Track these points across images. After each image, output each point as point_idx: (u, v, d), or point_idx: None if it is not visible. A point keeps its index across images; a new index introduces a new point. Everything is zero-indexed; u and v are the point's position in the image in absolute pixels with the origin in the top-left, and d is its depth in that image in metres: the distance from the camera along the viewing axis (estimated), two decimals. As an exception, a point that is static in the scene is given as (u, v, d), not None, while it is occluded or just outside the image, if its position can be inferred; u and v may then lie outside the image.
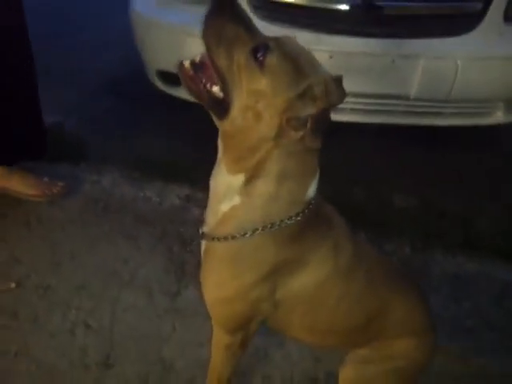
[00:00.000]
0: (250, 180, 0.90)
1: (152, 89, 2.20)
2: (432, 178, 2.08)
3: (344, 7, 1.72)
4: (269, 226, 0.93)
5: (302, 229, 0.96)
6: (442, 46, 1.82)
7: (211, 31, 0.87)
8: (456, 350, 1.18)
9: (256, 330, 1.08)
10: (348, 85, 2.06)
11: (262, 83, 0.82)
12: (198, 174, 1.92)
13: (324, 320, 1.06)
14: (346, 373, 1.13)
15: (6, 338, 1.37)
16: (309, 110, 0.83)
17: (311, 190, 0.95)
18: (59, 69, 1.79)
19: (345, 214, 1.95)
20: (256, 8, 1.78)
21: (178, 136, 2.17)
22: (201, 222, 1.03)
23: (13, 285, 1.51)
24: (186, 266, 1.60)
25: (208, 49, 0.87)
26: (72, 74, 2.06)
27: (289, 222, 0.94)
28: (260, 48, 0.83)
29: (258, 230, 0.93)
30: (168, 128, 2.30)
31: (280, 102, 0.83)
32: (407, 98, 1.89)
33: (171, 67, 1.97)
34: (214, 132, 0.91)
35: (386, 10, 1.75)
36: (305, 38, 1.78)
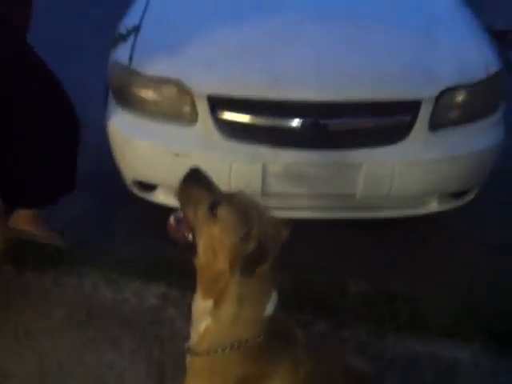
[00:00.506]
0: (217, 304, 1.15)
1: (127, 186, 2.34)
2: (382, 261, 2.31)
3: (296, 125, 2.03)
4: (236, 344, 1.15)
5: (264, 347, 1.18)
6: (380, 154, 2.13)
7: (183, 194, 1.19)
8: None
9: None
10: (302, 188, 2.36)
11: (215, 231, 1.11)
12: (173, 273, 2.12)
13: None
14: None
15: None
16: (248, 249, 1.09)
17: (269, 310, 1.19)
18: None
19: (305, 303, 2.15)
20: (221, 128, 2.06)
21: (155, 234, 2.34)
22: (187, 337, 1.25)
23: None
24: (165, 369, 1.76)
25: (181, 206, 1.19)
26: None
27: (252, 341, 1.16)
28: (214, 204, 1.12)
29: (226, 347, 1.15)
30: (145, 226, 2.44)
31: (228, 245, 1.10)
32: (354, 197, 2.18)
33: (147, 179, 2.22)
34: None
35: (330, 127, 2.07)
36: (263, 153, 2.07)
